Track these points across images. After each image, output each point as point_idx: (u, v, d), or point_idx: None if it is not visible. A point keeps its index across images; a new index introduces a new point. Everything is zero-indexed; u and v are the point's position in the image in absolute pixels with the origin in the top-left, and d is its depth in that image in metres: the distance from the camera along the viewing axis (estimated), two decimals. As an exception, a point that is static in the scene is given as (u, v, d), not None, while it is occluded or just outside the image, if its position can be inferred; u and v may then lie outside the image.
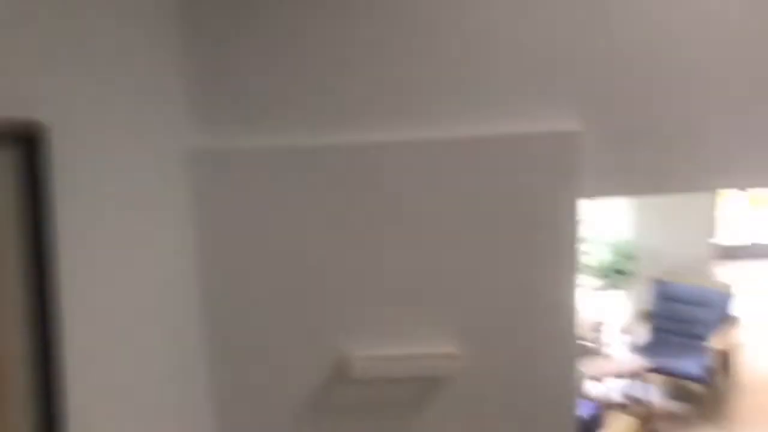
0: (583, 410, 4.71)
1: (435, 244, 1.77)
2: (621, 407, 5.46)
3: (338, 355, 1.79)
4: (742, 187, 1.86)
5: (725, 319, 5.90)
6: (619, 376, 5.53)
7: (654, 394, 5.81)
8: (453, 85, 1.78)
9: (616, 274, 6.38)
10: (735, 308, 5.99)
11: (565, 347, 1.82)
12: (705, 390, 5.74)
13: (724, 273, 7.14)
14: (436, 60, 1.77)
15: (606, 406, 5.34)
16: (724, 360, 5.95)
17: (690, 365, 5.67)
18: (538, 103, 1.77)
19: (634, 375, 5.53)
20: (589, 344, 6.01)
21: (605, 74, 1.77)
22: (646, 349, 5.97)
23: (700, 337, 5.84)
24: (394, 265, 1.78)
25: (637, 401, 5.54)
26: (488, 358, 1.81)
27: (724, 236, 8.90)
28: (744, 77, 1.79)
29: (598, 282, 6.45)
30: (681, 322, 6.07)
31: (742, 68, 1.79)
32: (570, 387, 1.90)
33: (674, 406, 5.84)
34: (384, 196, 1.75)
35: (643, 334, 6.21)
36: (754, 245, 9.24)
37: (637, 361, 5.62)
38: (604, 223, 6.59)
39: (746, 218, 9.43)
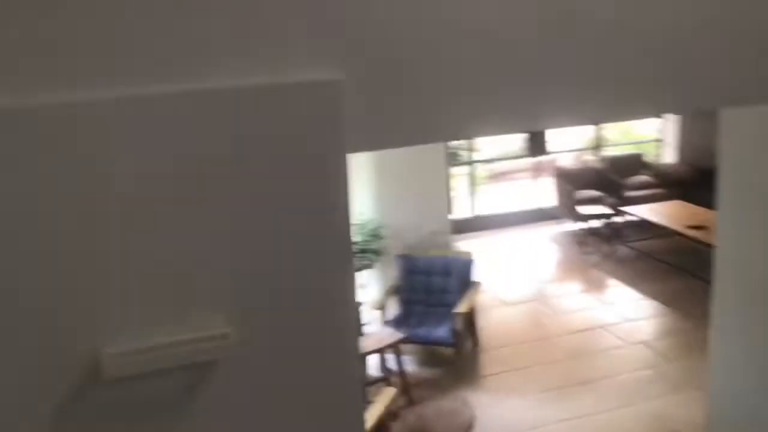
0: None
1: (190, 213, 1.53)
2: (381, 381, 5.60)
3: (84, 353, 1.47)
4: (497, 134, 1.92)
5: (467, 285, 6.35)
6: (376, 351, 5.67)
7: (409, 363, 6.06)
8: (193, 31, 1.54)
9: (365, 253, 6.54)
10: (475, 274, 6.47)
11: (346, 316, 1.70)
12: (454, 353, 6.13)
13: (463, 244, 7.72)
14: (177, 6, 1.53)
15: (368, 382, 5.44)
16: (469, 322, 6.41)
17: (439, 331, 6.01)
18: (296, 52, 1.61)
19: (389, 348, 5.71)
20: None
21: (368, 18, 1.67)
22: (398, 322, 6.21)
23: (447, 304, 6.21)
24: (141, 242, 1.49)
25: (394, 373, 5.73)
26: (264, 335, 1.62)
27: (458, 211, 9.67)
28: (504, 35, 1.81)
29: (349, 263, 6.56)
30: (428, 292, 6.42)
31: (504, 27, 1.81)
32: (354, 358, 1.79)
33: (428, 372, 6.15)
34: (115, 163, 1.46)
35: (395, 308, 6.45)
36: (483, 217, 10.14)
37: (391, 335, 5.82)
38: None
39: (474, 195, 10.31)
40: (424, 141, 1.83)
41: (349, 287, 1.75)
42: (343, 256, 1.68)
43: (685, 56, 2.05)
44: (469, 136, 2.15)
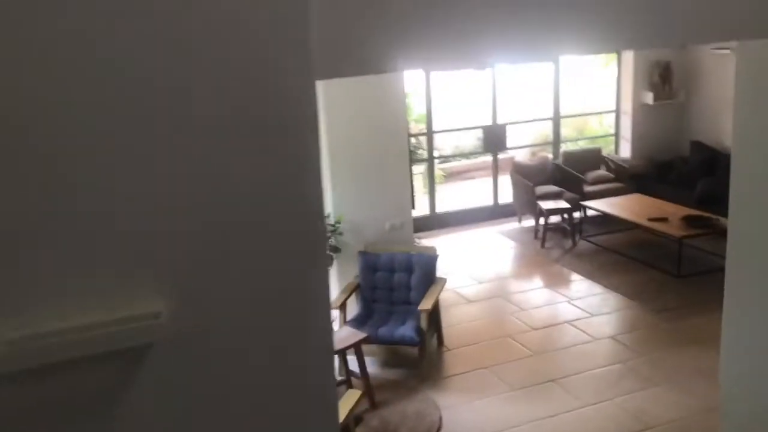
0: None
1: (114, 147, 1.19)
2: (342, 383, 5.27)
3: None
4: (465, 63, 1.64)
5: (431, 282, 6.05)
6: (337, 352, 5.32)
7: (371, 364, 5.74)
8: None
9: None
10: (438, 270, 6.19)
11: (317, 283, 1.38)
12: (418, 352, 5.82)
13: (424, 241, 7.45)
14: None
15: (328, 385, 5.09)
16: (433, 320, 6.11)
17: (403, 330, 5.70)
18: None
19: (350, 349, 5.37)
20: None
21: None
22: (359, 321, 5.88)
23: (410, 302, 5.91)
24: (45, 187, 1.14)
25: (356, 375, 5.40)
26: (213, 314, 1.29)
27: (418, 209, 9.40)
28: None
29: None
30: (389, 290, 6.11)
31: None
32: (326, 344, 1.47)
33: (391, 373, 5.83)
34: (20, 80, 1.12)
35: (355, 306, 6.13)
36: (443, 215, 9.88)
37: (352, 335, 5.48)
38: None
39: (432, 193, 10.06)
40: (393, 67, 1.53)
41: (320, 259, 1.43)
42: (312, 214, 1.36)
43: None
44: (436, 62, 1.89)
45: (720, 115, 9.34)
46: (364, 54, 1.44)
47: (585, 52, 1.94)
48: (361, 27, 1.42)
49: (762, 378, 2.84)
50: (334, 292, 6.24)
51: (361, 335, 5.42)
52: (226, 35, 1.21)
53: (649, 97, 9.92)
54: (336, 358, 5.37)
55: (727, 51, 8.88)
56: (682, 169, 9.48)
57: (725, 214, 7.45)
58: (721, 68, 9.24)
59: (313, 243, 1.40)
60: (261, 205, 1.30)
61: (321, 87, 6.00)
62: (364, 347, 5.48)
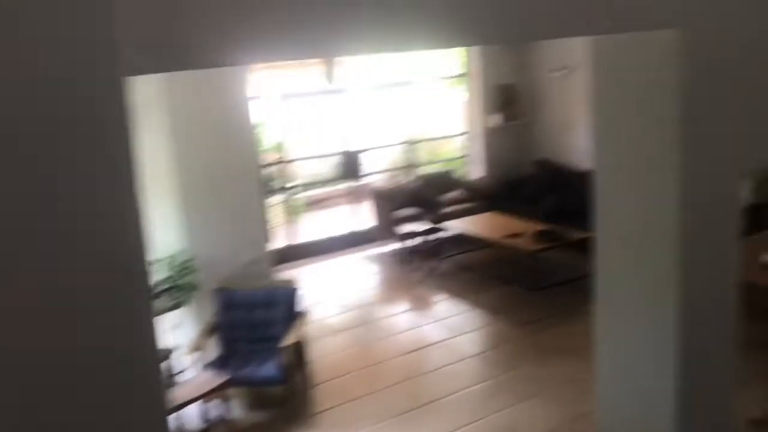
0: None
1: None
2: (204, 433, 4.89)
3: None
4: (290, 58, 1.50)
5: (293, 316, 5.80)
6: (196, 399, 4.94)
7: (235, 409, 5.39)
8: None
9: (174, 290, 5.78)
10: (301, 303, 5.95)
11: (141, 332, 1.13)
12: (284, 391, 5.54)
13: (284, 274, 7.19)
14: None
15: (188, 437, 4.71)
16: (298, 356, 5.85)
17: (266, 369, 5.40)
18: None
19: (211, 395, 5.01)
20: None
21: None
22: (219, 364, 5.51)
23: (273, 339, 5.63)
24: None
25: (219, 422, 5.03)
26: (10, 386, 1.01)
27: (278, 241, 9.14)
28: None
29: (156, 303, 5.76)
30: (250, 327, 5.79)
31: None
32: (158, 406, 1.22)
33: (257, 416, 5.50)
34: None
35: (215, 348, 5.75)
36: (304, 245, 9.66)
37: (213, 379, 5.12)
38: (150, 237, 5.95)
39: (292, 224, 9.83)
40: (225, 61, 1.33)
41: (143, 304, 1.19)
42: (130, 248, 1.11)
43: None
44: (266, 59, 1.73)
45: (562, 133, 9.85)
46: (188, 44, 1.22)
47: (432, 47, 1.86)
48: (185, 10, 1.21)
49: (635, 383, 2.87)
50: (192, 334, 5.83)
51: (221, 378, 5.07)
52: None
53: (496, 119, 10.28)
54: (196, 406, 4.98)
55: (565, 71, 9.40)
56: (530, 186, 9.86)
57: (572, 226, 7.83)
58: (559, 88, 9.76)
59: (134, 286, 1.15)
60: (61, 240, 1.04)
61: (167, 122, 5.67)
62: (228, 391, 5.13)
